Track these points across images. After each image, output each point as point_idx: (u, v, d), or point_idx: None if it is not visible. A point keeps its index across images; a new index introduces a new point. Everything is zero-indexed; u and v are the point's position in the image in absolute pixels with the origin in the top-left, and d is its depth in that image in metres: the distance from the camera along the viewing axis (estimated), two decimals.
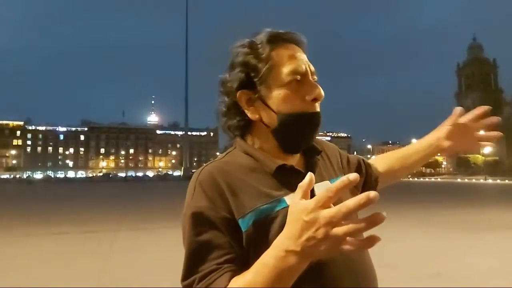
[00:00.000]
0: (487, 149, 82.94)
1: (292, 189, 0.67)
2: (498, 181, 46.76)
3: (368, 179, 1.04)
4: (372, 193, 0.50)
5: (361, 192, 0.78)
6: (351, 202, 0.51)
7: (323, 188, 0.61)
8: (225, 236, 0.71)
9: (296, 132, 0.79)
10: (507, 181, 45.45)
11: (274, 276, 0.59)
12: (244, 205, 0.73)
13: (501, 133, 0.99)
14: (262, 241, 0.70)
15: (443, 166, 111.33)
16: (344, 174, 0.81)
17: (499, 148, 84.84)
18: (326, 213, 0.52)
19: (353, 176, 0.52)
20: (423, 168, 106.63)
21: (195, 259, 0.70)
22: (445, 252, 6.03)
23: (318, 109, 0.80)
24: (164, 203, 15.76)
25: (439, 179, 64.54)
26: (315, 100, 0.78)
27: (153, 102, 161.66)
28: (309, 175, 0.57)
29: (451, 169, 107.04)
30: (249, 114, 0.81)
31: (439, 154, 1.06)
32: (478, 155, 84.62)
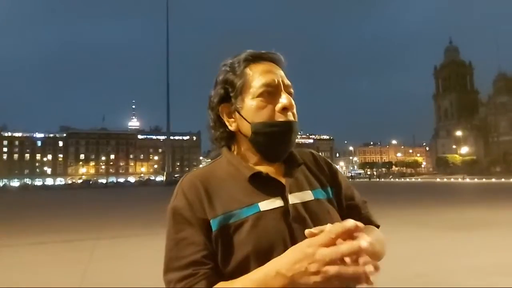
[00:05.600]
0: (464, 149, 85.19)
1: (266, 195, 0.81)
2: (476, 180, 47.92)
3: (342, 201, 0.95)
4: (363, 243, 0.58)
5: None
6: (345, 247, 0.59)
7: (304, 197, 0.83)
8: (200, 235, 0.77)
9: (269, 139, 0.84)
10: (484, 179, 46.64)
11: None
12: (217, 208, 0.80)
13: None
14: (229, 242, 0.76)
15: (422, 166, 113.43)
16: (332, 181, 0.93)
17: (476, 148, 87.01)
18: (323, 251, 0.60)
19: (353, 223, 0.61)
20: (403, 168, 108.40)
21: (173, 254, 0.77)
22: (426, 252, 6.11)
23: (290, 118, 0.85)
24: (145, 209, 15.51)
25: (419, 179, 65.56)
26: (285, 109, 0.84)
27: (133, 106, 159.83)
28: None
29: (430, 169, 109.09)
30: (229, 126, 0.89)
31: None
32: (456, 155, 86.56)
